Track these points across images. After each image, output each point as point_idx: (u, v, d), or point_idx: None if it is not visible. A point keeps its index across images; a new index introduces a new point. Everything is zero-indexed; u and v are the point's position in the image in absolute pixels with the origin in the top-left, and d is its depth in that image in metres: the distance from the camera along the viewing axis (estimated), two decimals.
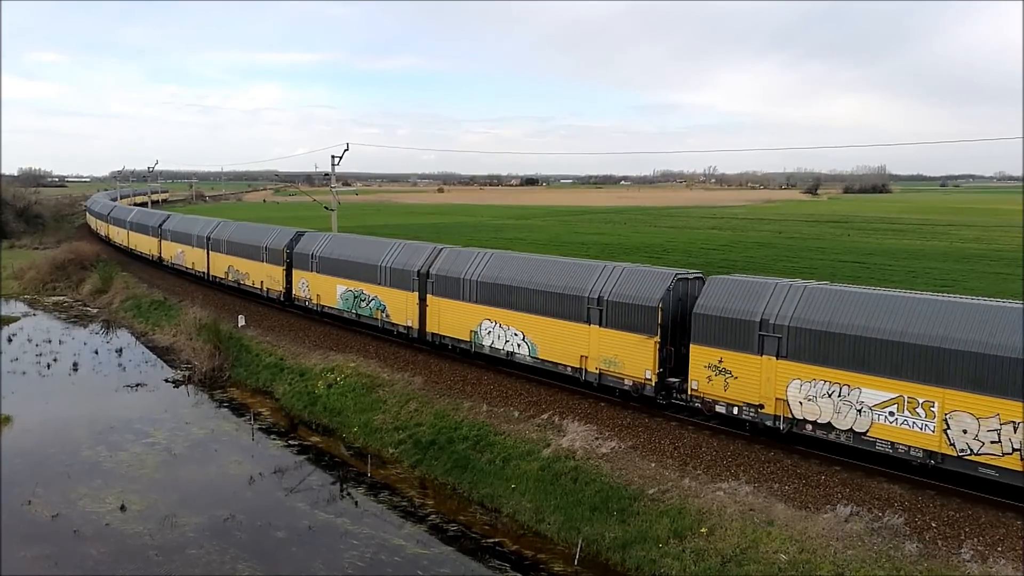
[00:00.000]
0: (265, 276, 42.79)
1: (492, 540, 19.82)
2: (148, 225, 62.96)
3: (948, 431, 18.03)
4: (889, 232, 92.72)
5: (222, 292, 48.61)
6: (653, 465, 21.18)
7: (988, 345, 17.41)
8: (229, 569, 18.35)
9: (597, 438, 22.88)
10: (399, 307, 32.85)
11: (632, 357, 24.03)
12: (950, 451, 18.02)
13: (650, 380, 23.66)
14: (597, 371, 25.11)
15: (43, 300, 55.98)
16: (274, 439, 27.60)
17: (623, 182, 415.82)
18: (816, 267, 55.92)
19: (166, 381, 34.68)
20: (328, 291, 37.45)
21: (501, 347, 28.34)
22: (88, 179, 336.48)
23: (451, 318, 30.31)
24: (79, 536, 19.88)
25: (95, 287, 56.78)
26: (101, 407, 30.73)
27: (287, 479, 23.81)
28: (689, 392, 22.83)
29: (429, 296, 31.28)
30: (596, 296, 24.93)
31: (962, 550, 16.17)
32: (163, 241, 58.75)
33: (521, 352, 27.59)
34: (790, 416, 20.70)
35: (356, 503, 22.31)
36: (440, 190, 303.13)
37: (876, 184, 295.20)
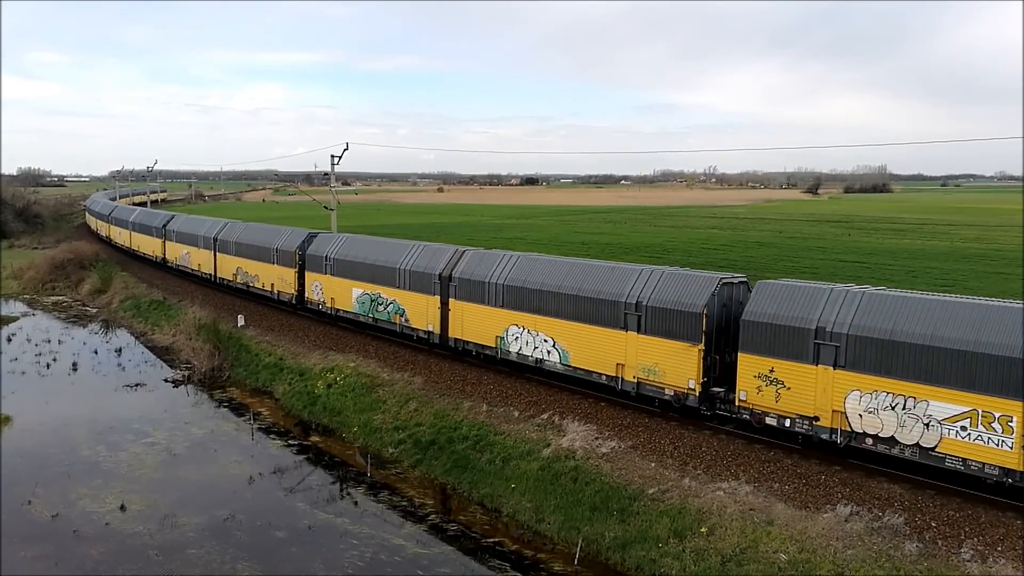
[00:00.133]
0: (276, 279, 41.77)
1: (492, 540, 19.81)
2: (152, 226, 61.88)
3: None
4: (889, 232, 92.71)
5: (223, 292, 48.58)
6: (653, 465, 21.17)
7: None
8: (229, 569, 18.34)
9: (597, 438, 22.87)
10: (419, 311, 31.96)
11: (674, 366, 22.99)
12: None
13: (693, 390, 22.58)
14: (635, 380, 24.05)
15: (42, 300, 55.97)
16: (274, 439, 27.59)
17: (623, 182, 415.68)
18: (817, 267, 55.93)
19: (166, 381, 34.67)
20: (343, 294, 36.52)
21: (529, 354, 27.29)
22: (87, 179, 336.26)
23: (475, 323, 29.38)
24: (79, 536, 19.87)
25: (94, 287, 56.78)
26: (101, 407, 30.73)
27: (287, 479, 23.80)
28: (736, 403, 21.75)
29: (451, 300, 30.29)
30: (634, 301, 23.87)
31: (962, 550, 16.16)
32: (167, 242, 57.70)
33: (551, 359, 26.55)
34: (848, 429, 19.62)
35: (356, 503, 22.30)
36: (440, 190, 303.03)
37: (876, 184, 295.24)
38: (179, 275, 55.91)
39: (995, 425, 17.48)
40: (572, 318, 25.74)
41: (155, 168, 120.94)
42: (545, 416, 24.81)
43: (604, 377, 24.94)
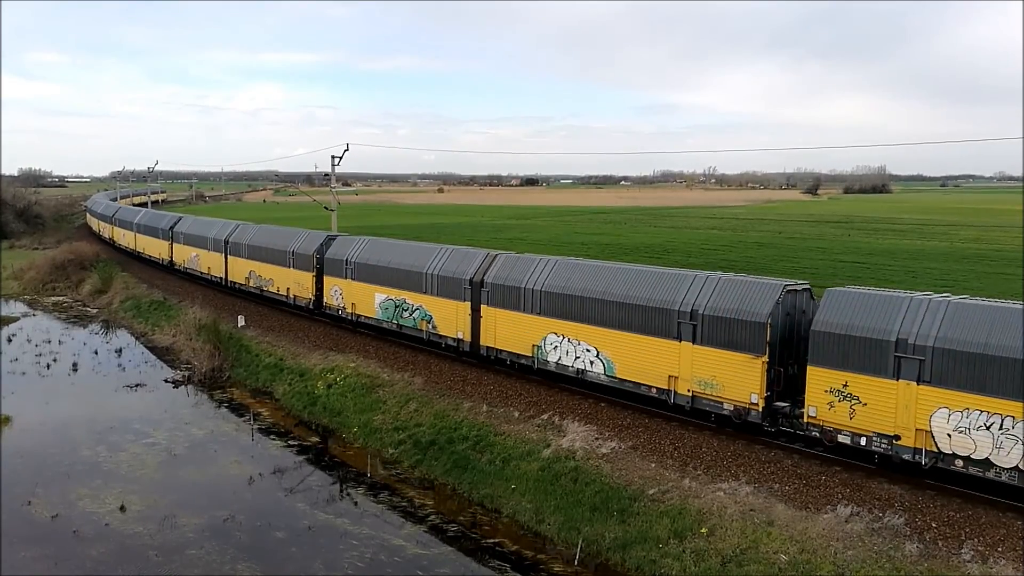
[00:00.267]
0: (292, 283, 40.35)
1: (492, 540, 19.81)
2: (158, 228, 60.37)
3: None
4: (889, 232, 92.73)
5: (223, 293, 48.57)
6: (653, 465, 21.17)
7: None
8: (229, 569, 18.34)
9: (597, 438, 22.87)
10: (448, 318, 30.57)
11: (734, 379, 21.63)
12: None
13: (756, 405, 21.22)
14: (689, 393, 22.75)
15: (43, 300, 55.98)
16: (274, 439, 27.59)
17: (623, 182, 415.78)
18: (817, 267, 55.97)
19: (166, 381, 34.67)
20: (365, 300, 35.05)
21: (570, 364, 25.90)
22: (88, 179, 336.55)
23: (510, 331, 27.99)
24: (79, 536, 19.86)
25: (95, 287, 56.78)
26: (101, 407, 30.73)
27: (287, 479, 23.80)
28: (805, 419, 20.42)
29: (483, 307, 28.94)
30: (689, 309, 22.52)
31: (962, 550, 16.16)
32: (175, 244, 56.30)
33: (594, 370, 25.20)
34: (935, 450, 18.23)
35: (356, 503, 22.30)
36: (440, 190, 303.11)
37: (876, 184, 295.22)
38: (178, 276, 55.88)
39: None
40: (619, 327, 24.36)
41: (156, 169, 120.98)
42: (545, 416, 24.81)
43: (654, 390, 23.61)
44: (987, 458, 17.56)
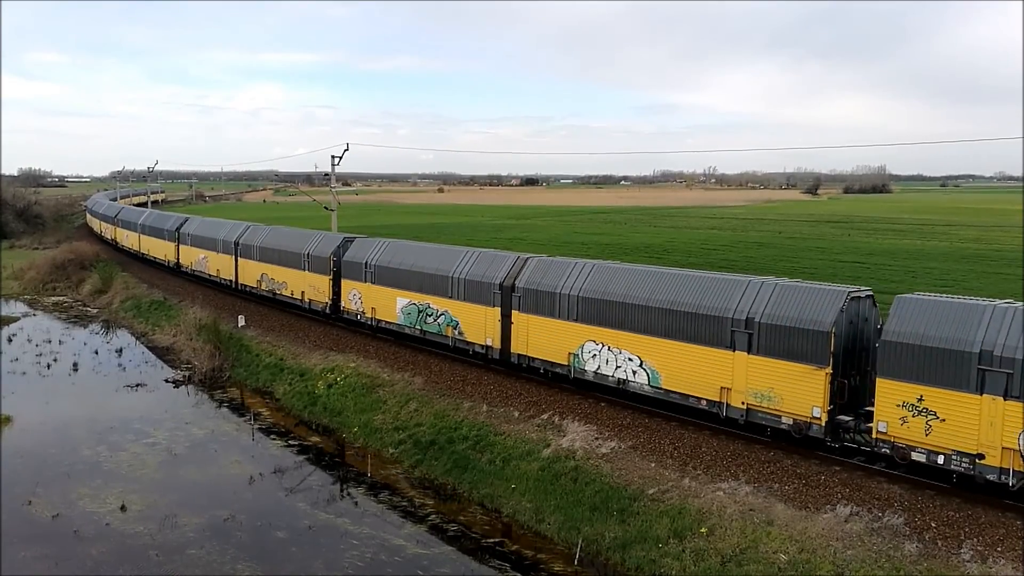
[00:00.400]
0: (307, 286, 39.06)
1: (492, 540, 19.83)
2: (163, 229, 58.96)
3: None
4: (889, 232, 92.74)
5: (223, 293, 48.59)
6: (653, 465, 21.18)
7: None
8: (229, 569, 18.35)
9: (597, 438, 22.88)
10: (476, 324, 29.34)
11: (794, 391, 20.42)
12: None
13: (819, 419, 19.98)
14: (744, 406, 21.56)
15: (43, 300, 55.99)
16: (274, 439, 27.60)
17: (623, 182, 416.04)
18: (817, 267, 55.96)
19: (166, 381, 34.68)
20: (386, 304, 33.70)
21: (610, 373, 24.74)
22: (88, 179, 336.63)
23: (544, 338, 26.85)
24: (79, 536, 19.88)
25: (95, 287, 56.79)
26: (101, 407, 30.75)
27: (287, 479, 23.82)
28: (874, 435, 19.20)
29: (515, 312, 27.73)
30: (744, 317, 21.33)
31: (962, 550, 16.17)
32: (181, 246, 54.96)
33: (637, 380, 24.04)
34: None
35: (356, 503, 22.32)
36: (440, 190, 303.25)
37: (876, 184, 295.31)
38: (177, 275, 55.85)
39: None
40: (665, 335, 23.17)
41: (155, 169, 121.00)
42: (545, 416, 24.82)
43: (704, 402, 22.42)
44: None
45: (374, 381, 29.86)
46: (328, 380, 30.82)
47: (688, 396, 22.89)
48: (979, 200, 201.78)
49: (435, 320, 31.21)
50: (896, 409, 18.75)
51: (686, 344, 22.75)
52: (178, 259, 55.70)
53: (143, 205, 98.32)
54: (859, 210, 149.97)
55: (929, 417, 18.24)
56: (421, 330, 31.94)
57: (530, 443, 23.25)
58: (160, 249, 59.41)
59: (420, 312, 31.91)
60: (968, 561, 15.81)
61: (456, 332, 30.25)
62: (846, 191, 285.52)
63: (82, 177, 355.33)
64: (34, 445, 26.66)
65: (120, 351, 40.30)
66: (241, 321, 40.24)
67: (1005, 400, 17.17)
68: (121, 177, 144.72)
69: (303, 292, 39.50)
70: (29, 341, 42.14)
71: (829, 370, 19.86)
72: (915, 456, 18.58)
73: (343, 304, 36.71)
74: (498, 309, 28.44)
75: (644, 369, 23.91)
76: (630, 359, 24.25)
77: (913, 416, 18.51)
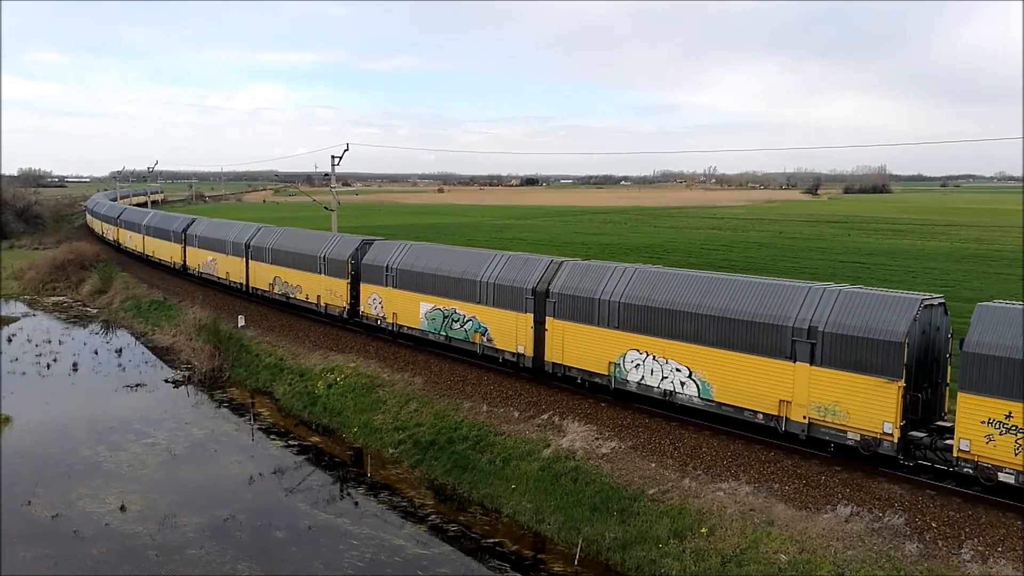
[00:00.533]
0: (323, 290, 37.85)
1: (492, 540, 19.82)
2: (169, 230, 57.34)
3: None
4: (889, 232, 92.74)
5: (223, 294, 48.57)
6: (653, 465, 21.17)
7: None
8: (229, 569, 18.34)
9: (597, 438, 22.87)
10: (506, 330, 28.19)
11: (862, 405, 19.25)
12: None
13: (890, 435, 18.81)
14: (805, 420, 20.32)
15: (43, 300, 55.98)
16: (274, 439, 27.59)
17: (623, 182, 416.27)
18: (817, 267, 55.97)
19: (166, 381, 34.68)
20: (408, 309, 32.51)
21: (655, 384, 23.58)
22: (88, 179, 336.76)
23: (581, 346, 25.66)
24: (79, 536, 19.87)
25: (95, 287, 56.78)
26: (101, 407, 30.73)
27: (287, 479, 23.81)
28: (955, 453, 18.07)
29: (549, 319, 26.58)
30: (806, 326, 20.14)
31: (962, 550, 16.16)
32: (188, 248, 53.61)
33: (686, 392, 22.86)
34: None
35: (356, 503, 22.31)
36: (440, 190, 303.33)
37: (876, 184, 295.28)
38: (177, 276, 55.82)
39: None
40: (717, 344, 21.95)
41: (155, 169, 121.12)
42: (545, 416, 24.81)
43: (761, 416, 21.24)
44: None
45: (374, 381, 29.85)
46: (328, 380, 30.81)
47: (743, 409, 21.64)
48: (979, 200, 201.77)
49: (462, 326, 30.08)
50: (981, 426, 17.62)
51: (741, 354, 21.47)
52: (185, 261, 54.41)
53: (143, 205, 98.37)
54: (859, 210, 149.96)
55: (1019, 436, 17.06)
56: (447, 336, 30.78)
57: (530, 443, 23.24)
58: (166, 251, 58.01)
59: (445, 318, 30.77)
60: (968, 561, 15.80)
61: (484, 339, 29.14)
62: (846, 191, 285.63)
63: (82, 177, 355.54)
64: (34, 445, 26.65)
65: (120, 351, 40.29)
66: (241, 321, 40.22)
67: None
68: (121, 177, 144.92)
69: (319, 296, 38.32)
70: (29, 341, 42.13)
71: (902, 383, 18.69)
72: (1003, 477, 17.50)
73: (362, 309, 35.57)
74: (531, 315, 27.32)
75: (694, 380, 22.70)
76: (678, 369, 23.05)
77: (1001, 434, 17.32)
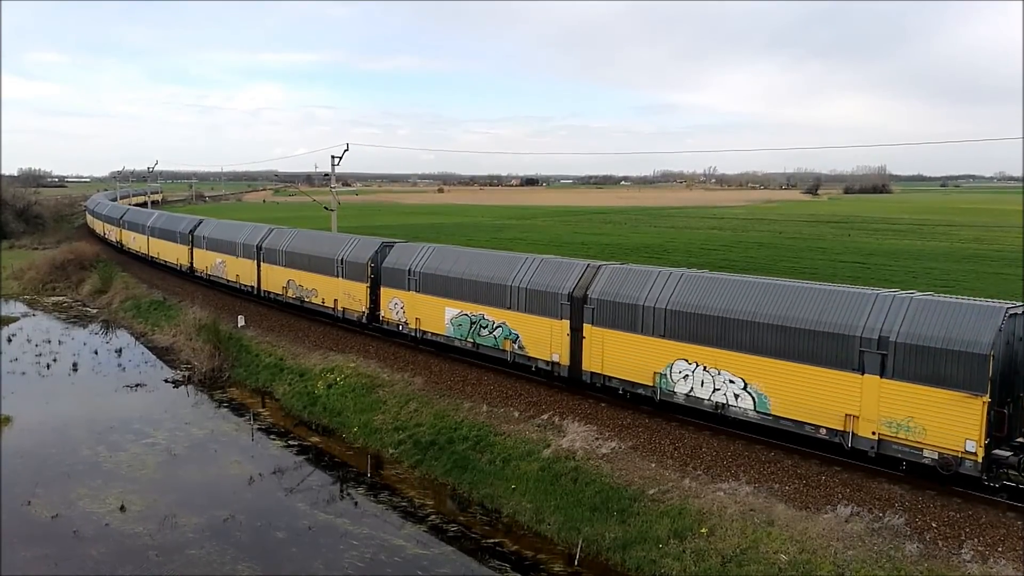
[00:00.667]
0: (340, 294, 36.67)
1: (492, 540, 19.82)
2: (176, 231, 55.84)
3: None
4: (889, 232, 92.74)
5: (224, 294, 48.58)
6: (653, 465, 21.17)
7: None
8: (229, 569, 18.34)
9: (597, 438, 22.87)
10: (540, 338, 27.07)
11: (941, 422, 18.10)
12: None
13: (973, 454, 17.65)
14: (875, 436, 19.17)
15: (43, 300, 55.98)
16: (274, 439, 27.59)
17: (623, 182, 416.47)
18: (817, 267, 55.97)
19: (166, 381, 34.67)
20: (432, 314, 31.34)
21: (706, 396, 22.41)
22: (88, 179, 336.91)
23: (623, 355, 24.47)
24: (79, 536, 19.86)
25: (95, 287, 56.78)
26: (101, 407, 30.73)
27: (287, 479, 23.80)
28: None
29: (587, 326, 25.40)
30: (875, 336, 18.96)
31: (962, 550, 16.16)
32: (195, 249, 52.16)
33: (741, 405, 21.68)
34: None
35: (356, 503, 22.30)
36: (440, 190, 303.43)
37: (876, 184, 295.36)
38: (177, 276, 55.82)
39: None
40: (776, 354, 20.76)
41: (155, 169, 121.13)
42: (545, 416, 24.81)
43: (824, 431, 20.08)
44: None
45: (374, 381, 29.85)
46: (328, 380, 30.81)
47: (803, 424, 20.48)
48: (979, 200, 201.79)
49: (491, 333, 28.88)
50: None
51: (802, 365, 20.30)
52: (192, 263, 53.03)
53: (143, 205, 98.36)
54: (859, 210, 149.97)
55: None
56: (474, 343, 29.61)
57: (530, 443, 23.24)
58: (172, 253, 56.67)
59: (473, 324, 29.58)
60: (969, 561, 15.80)
61: (516, 346, 27.99)
62: (846, 191, 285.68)
63: (82, 177, 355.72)
64: (34, 445, 26.64)
65: (120, 351, 40.28)
66: (241, 321, 40.22)
67: None
68: (121, 177, 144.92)
69: (335, 300, 37.04)
70: (29, 341, 42.13)
71: (987, 398, 17.53)
72: None
73: (382, 314, 34.21)
74: (566, 322, 26.12)
75: (749, 392, 21.50)
76: (731, 381, 21.85)
77: None
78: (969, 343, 17.72)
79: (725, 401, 22.10)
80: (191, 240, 52.92)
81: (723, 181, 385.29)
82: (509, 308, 28.08)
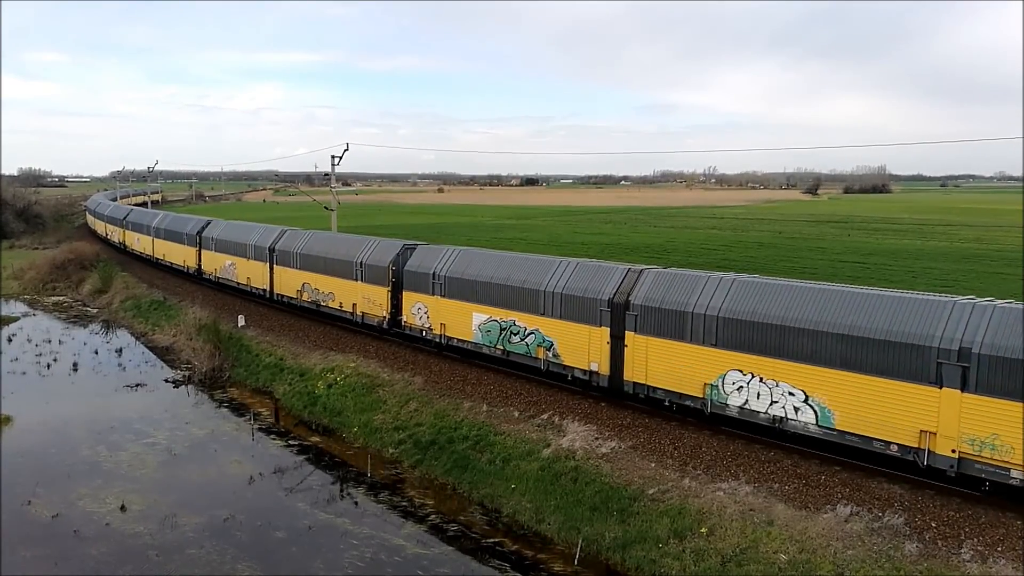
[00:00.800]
0: (360, 298, 35.55)
1: (492, 540, 19.83)
2: (182, 232, 54.53)
3: None
4: (889, 232, 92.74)
5: (232, 297, 48.58)
6: (653, 465, 21.18)
7: None
8: (229, 569, 18.35)
9: (597, 438, 22.88)
10: (577, 345, 25.93)
11: None
12: None
13: None
14: (955, 455, 17.97)
15: (43, 300, 56.00)
16: (274, 439, 27.60)
17: (623, 182, 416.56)
18: (817, 267, 55.98)
19: (166, 381, 34.69)
20: (459, 320, 30.20)
21: (762, 409, 21.25)
22: (88, 179, 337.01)
23: (669, 365, 23.31)
24: (79, 536, 19.88)
25: (95, 287, 56.79)
26: (101, 407, 30.74)
27: (287, 479, 23.82)
28: None
29: (630, 334, 24.27)
30: (955, 347, 17.72)
31: (962, 550, 16.18)
32: (204, 251, 51.01)
33: (801, 418, 20.53)
34: None
35: (356, 503, 22.32)
36: (440, 190, 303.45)
37: (876, 184, 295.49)
38: (178, 275, 55.82)
39: None
40: (841, 365, 19.59)
41: (155, 168, 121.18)
42: (545, 416, 24.82)
43: (895, 447, 18.95)
44: None
45: (374, 381, 29.86)
46: (328, 380, 30.82)
47: (872, 440, 19.32)
48: (979, 200, 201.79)
49: (522, 340, 27.76)
50: None
51: (872, 377, 19.10)
52: (200, 265, 51.80)
53: (143, 205, 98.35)
54: (859, 210, 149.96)
55: None
56: (504, 350, 28.45)
57: (530, 443, 23.26)
58: (178, 254, 55.24)
59: (503, 330, 28.41)
60: (968, 561, 15.81)
61: (550, 354, 26.87)
62: (846, 191, 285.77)
63: (82, 177, 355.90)
64: (34, 445, 26.66)
65: (120, 351, 40.29)
66: (241, 321, 40.23)
67: None
68: (121, 177, 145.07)
69: (354, 304, 35.90)
70: (29, 341, 42.15)
71: None
72: None
73: (405, 319, 33.00)
74: (606, 329, 24.95)
75: (810, 406, 20.36)
76: (791, 393, 20.69)
77: None
78: None
79: (784, 415, 20.91)
80: (199, 242, 51.84)
81: (723, 181, 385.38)
82: (543, 314, 26.95)
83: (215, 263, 49.47)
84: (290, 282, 40.91)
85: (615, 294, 24.83)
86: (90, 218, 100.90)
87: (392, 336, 34.41)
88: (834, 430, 19.98)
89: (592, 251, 63.90)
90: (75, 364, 37.43)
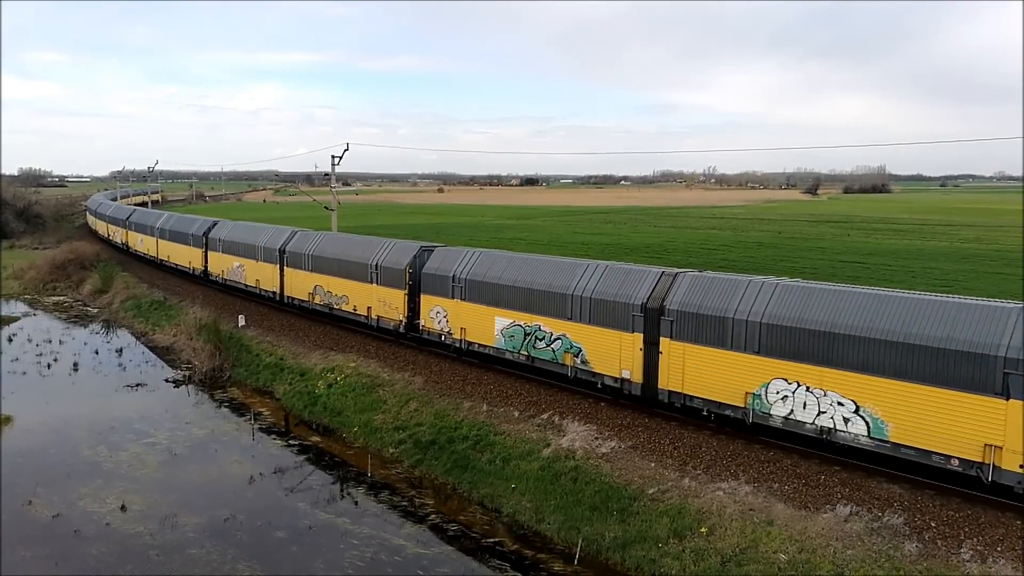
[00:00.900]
0: (375, 301, 34.75)
1: (492, 540, 19.84)
2: (188, 233, 53.67)
3: None
4: (889, 232, 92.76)
5: (231, 297, 48.60)
6: (653, 465, 21.20)
7: None
8: (229, 569, 18.37)
9: (597, 438, 22.90)
10: (607, 352, 25.02)
11: None
12: None
13: None
14: (1022, 470, 17.11)
15: (43, 300, 56.00)
16: (274, 439, 27.62)
17: (623, 182, 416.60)
18: (817, 267, 55.99)
19: (166, 381, 34.70)
20: (481, 325, 29.36)
21: (809, 420, 20.33)
22: (88, 179, 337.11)
23: (708, 373, 22.42)
24: (79, 536, 19.89)
25: (95, 287, 56.80)
26: (101, 407, 30.75)
27: (287, 479, 23.83)
28: None
29: (665, 340, 23.29)
30: (1021, 356, 16.92)
31: (962, 550, 16.19)
32: (210, 252, 50.14)
33: (851, 430, 19.61)
34: None
35: (356, 503, 22.33)
36: (440, 190, 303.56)
37: (876, 184, 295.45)
38: (178, 275, 55.82)
39: None
40: (895, 375, 18.67)
41: (156, 168, 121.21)
42: (545, 416, 24.84)
43: (956, 462, 17.98)
44: None
45: (374, 381, 29.88)
46: (328, 380, 30.84)
47: (929, 453, 18.36)
48: (979, 200, 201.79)
49: (548, 345, 26.90)
50: None
51: (929, 387, 18.18)
52: (206, 267, 50.83)
53: (143, 205, 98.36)
54: (859, 210, 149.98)
55: None
56: (528, 356, 27.63)
57: (530, 443, 23.27)
58: (184, 256, 54.33)
59: (527, 335, 27.59)
60: (968, 561, 15.83)
61: (578, 361, 26.01)
62: (846, 191, 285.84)
63: (82, 177, 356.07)
64: (34, 445, 26.68)
65: (120, 351, 40.30)
66: (241, 321, 40.24)
67: None
68: (121, 177, 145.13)
69: (369, 308, 35.10)
70: (29, 341, 42.16)
71: None
72: None
73: (422, 323, 32.20)
74: (639, 335, 24.03)
75: (861, 417, 19.45)
76: (840, 403, 19.80)
77: None
78: None
79: (832, 426, 20.03)
80: (205, 243, 50.93)
81: (723, 181, 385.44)
82: (570, 319, 26.04)
83: (222, 265, 48.59)
84: (301, 285, 40.12)
85: (649, 299, 23.95)
86: (91, 218, 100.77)
87: (409, 341, 33.61)
88: (887, 442, 19.03)
89: (592, 251, 63.92)
90: (75, 364, 37.45)
